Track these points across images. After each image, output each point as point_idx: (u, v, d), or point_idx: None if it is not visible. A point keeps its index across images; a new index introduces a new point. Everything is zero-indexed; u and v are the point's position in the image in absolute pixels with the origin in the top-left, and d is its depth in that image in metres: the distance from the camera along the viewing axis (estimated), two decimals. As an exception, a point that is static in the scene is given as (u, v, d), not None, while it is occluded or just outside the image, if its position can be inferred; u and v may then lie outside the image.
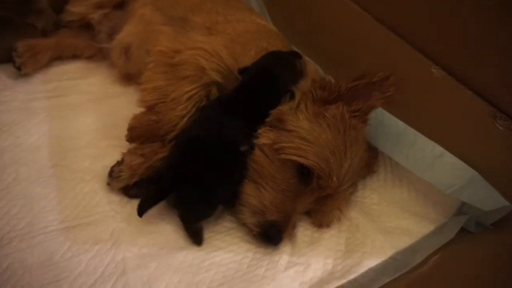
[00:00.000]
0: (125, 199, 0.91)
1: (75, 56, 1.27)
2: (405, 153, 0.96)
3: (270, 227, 0.84)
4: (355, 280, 0.84)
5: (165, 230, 0.87)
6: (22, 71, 1.16)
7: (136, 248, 0.83)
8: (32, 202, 0.88)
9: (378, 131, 0.98)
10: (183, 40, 1.02)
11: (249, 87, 0.93)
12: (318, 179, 0.85)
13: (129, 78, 1.21)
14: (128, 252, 0.83)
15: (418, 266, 0.86)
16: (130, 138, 0.96)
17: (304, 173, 0.86)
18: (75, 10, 1.24)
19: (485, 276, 0.83)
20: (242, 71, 0.96)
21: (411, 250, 0.90)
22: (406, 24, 1.02)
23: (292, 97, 0.93)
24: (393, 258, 0.88)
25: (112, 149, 0.98)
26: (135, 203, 0.88)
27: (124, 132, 1.03)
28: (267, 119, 0.91)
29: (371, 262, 0.86)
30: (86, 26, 1.27)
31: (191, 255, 0.84)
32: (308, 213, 0.93)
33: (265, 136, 0.89)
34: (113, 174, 0.90)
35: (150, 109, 0.97)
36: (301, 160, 0.85)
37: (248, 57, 0.98)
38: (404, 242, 0.91)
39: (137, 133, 0.95)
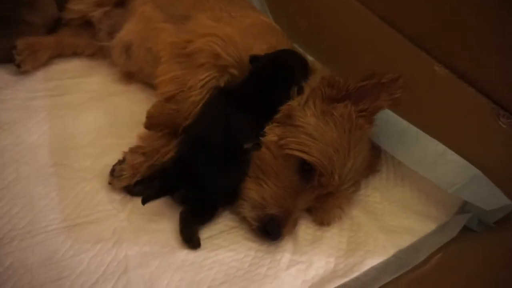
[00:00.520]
0: (127, 197, 0.91)
1: (75, 55, 1.27)
2: (408, 151, 0.96)
3: (269, 221, 0.83)
4: (357, 279, 0.84)
5: (167, 229, 0.87)
6: (21, 69, 1.16)
7: (138, 247, 0.83)
8: (33, 201, 0.88)
9: (381, 129, 0.98)
10: (192, 28, 1.01)
11: (259, 76, 0.92)
12: (320, 176, 0.85)
13: (130, 76, 1.21)
14: (130, 250, 0.82)
15: (420, 265, 0.86)
16: (149, 126, 0.96)
17: (306, 170, 0.86)
18: (75, 8, 1.23)
19: (487, 274, 0.83)
20: (253, 59, 0.95)
21: (413, 248, 0.90)
22: (409, 22, 1.02)
23: (301, 92, 0.92)
24: (395, 257, 0.88)
25: (113, 148, 0.98)
26: (136, 201, 0.89)
27: (125, 130, 1.04)
28: (276, 116, 0.90)
29: (373, 261, 0.86)
30: (86, 24, 1.26)
31: (192, 253, 0.84)
32: (309, 211, 0.93)
33: (271, 133, 0.88)
34: (114, 173, 0.90)
35: (169, 99, 0.96)
36: (304, 156, 0.84)
37: (260, 50, 0.97)
38: (406, 240, 0.91)
39: (156, 122, 0.96)
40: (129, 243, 0.83)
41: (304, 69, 0.97)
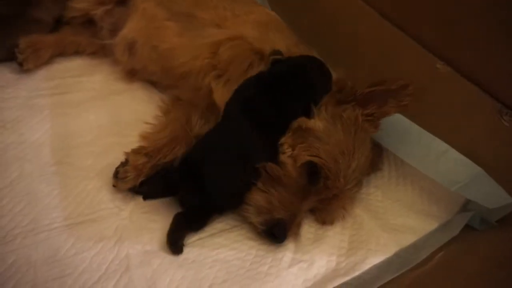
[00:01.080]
0: (129, 196, 0.91)
1: (77, 53, 1.27)
2: (410, 150, 0.96)
3: (275, 225, 0.84)
4: (359, 278, 0.84)
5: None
6: (24, 67, 1.16)
7: (140, 245, 0.83)
8: (36, 199, 0.88)
9: (383, 128, 0.97)
10: (210, 39, 1.01)
11: (278, 80, 0.90)
12: (326, 179, 0.86)
13: (132, 74, 1.20)
14: (132, 249, 0.83)
15: (422, 263, 0.86)
16: None
17: (312, 172, 0.86)
18: (77, 6, 1.23)
19: (489, 273, 0.83)
20: (274, 61, 0.93)
21: (415, 247, 0.90)
22: (411, 19, 1.02)
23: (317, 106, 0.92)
24: (397, 256, 0.88)
25: (115, 147, 0.98)
26: (138, 200, 0.90)
27: (127, 129, 1.04)
28: (291, 127, 0.90)
29: (375, 260, 0.86)
30: (88, 22, 1.26)
31: (194, 252, 0.84)
32: (312, 211, 0.93)
33: (286, 146, 0.88)
34: (118, 176, 0.89)
35: None
36: (312, 158, 0.85)
37: (277, 44, 0.98)
38: (408, 239, 0.91)
39: None
40: (131, 242, 0.83)
41: (327, 84, 0.94)
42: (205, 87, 0.97)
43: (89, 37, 1.26)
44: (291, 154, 0.88)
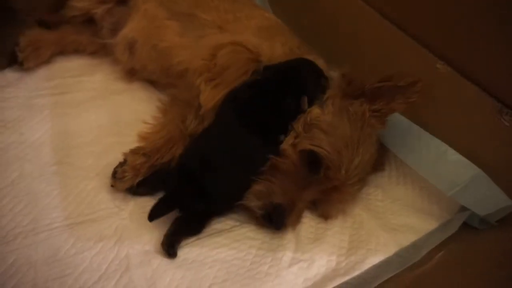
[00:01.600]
0: (129, 196, 0.91)
1: (77, 52, 1.27)
2: (410, 150, 0.96)
3: (274, 209, 0.84)
4: (358, 277, 0.84)
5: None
6: (24, 66, 1.16)
7: (140, 245, 0.84)
8: (36, 199, 0.88)
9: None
10: (210, 43, 1.01)
11: (270, 83, 0.91)
12: (327, 169, 0.86)
13: (132, 73, 1.20)
14: (132, 248, 0.83)
15: (422, 263, 0.86)
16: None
17: (313, 162, 0.86)
18: (78, 5, 1.23)
19: (489, 273, 0.82)
20: (265, 68, 0.94)
21: (415, 247, 0.90)
22: (411, 19, 1.01)
23: (312, 104, 0.92)
24: (397, 255, 0.88)
25: (115, 146, 0.98)
26: (138, 200, 0.91)
27: (127, 129, 1.04)
28: (294, 125, 0.90)
29: (375, 259, 0.86)
30: (88, 21, 1.26)
31: (194, 251, 0.84)
32: (315, 204, 0.93)
33: (287, 140, 0.89)
34: (116, 175, 0.90)
35: None
36: (314, 148, 0.85)
37: (277, 49, 0.98)
38: (408, 239, 0.91)
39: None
40: (131, 242, 0.84)
41: (318, 79, 0.95)
42: (196, 87, 0.97)
43: (89, 36, 1.26)
44: (292, 142, 0.88)
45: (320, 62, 1.05)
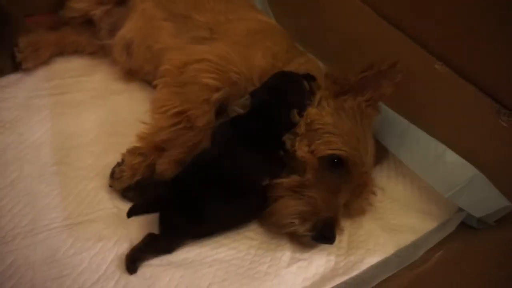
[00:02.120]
0: (128, 196, 0.91)
1: (77, 53, 1.27)
2: (409, 151, 0.97)
3: (323, 227, 0.83)
4: (357, 277, 0.84)
5: (168, 227, 0.87)
6: (23, 66, 1.16)
7: (139, 245, 0.83)
8: (35, 199, 0.88)
9: (383, 128, 0.99)
10: (187, 51, 1.01)
11: (260, 108, 0.93)
12: (352, 167, 0.87)
13: (131, 74, 1.21)
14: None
15: (421, 263, 0.86)
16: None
17: (336, 166, 0.87)
18: (76, 6, 1.23)
19: (488, 273, 0.82)
20: (252, 93, 0.95)
21: (414, 247, 0.90)
22: (409, 20, 1.02)
23: (302, 114, 0.92)
24: (395, 255, 0.88)
25: (115, 146, 0.98)
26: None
27: (126, 128, 1.03)
28: (297, 129, 0.91)
29: (374, 259, 0.86)
30: (87, 22, 1.26)
31: (193, 251, 0.84)
32: (346, 206, 0.92)
33: (301, 145, 0.89)
34: (114, 175, 0.90)
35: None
36: (335, 152, 0.86)
37: (256, 59, 0.98)
38: (407, 239, 0.91)
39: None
40: (131, 242, 0.83)
41: (299, 88, 0.95)
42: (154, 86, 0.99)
43: (88, 37, 1.26)
44: (308, 150, 0.88)
45: (314, 63, 1.07)
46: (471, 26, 0.90)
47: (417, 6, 1.00)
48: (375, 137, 0.97)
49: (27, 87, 1.14)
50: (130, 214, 0.80)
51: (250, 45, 1.01)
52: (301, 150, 0.88)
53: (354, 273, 0.84)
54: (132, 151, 0.92)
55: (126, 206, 0.88)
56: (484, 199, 0.87)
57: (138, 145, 0.94)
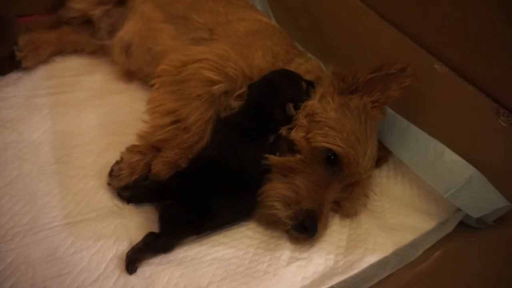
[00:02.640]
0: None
1: (76, 52, 1.28)
2: (408, 151, 0.97)
3: (305, 217, 0.83)
4: (356, 276, 0.84)
5: (167, 226, 0.87)
6: (22, 65, 1.16)
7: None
8: (35, 198, 0.88)
9: (383, 128, 0.99)
10: (185, 52, 1.01)
11: (253, 102, 0.93)
12: (347, 165, 0.87)
13: (130, 75, 1.21)
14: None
15: (420, 262, 0.86)
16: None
17: (332, 161, 0.87)
18: (76, 6, 1.24)
19: (487, 271, 0.83)
20: (249, 86, 0.96)
21: (412, 246, 0.90)
22: (409, 20, 1.02)
23: (298, 107, 0.93)
24: (394, 254, 0.88)
25: (114, 145, 0.98)
26: (137, 199, 0.90)
27: (126, 128, 1.04)
28: (297, 121, 0.91)
29: (372, 258, 0.86)
30: (88, 22, 1.26)
31: (193, 249, 0.84)
32: (337, 203, 0.93)
33: (298, 133, 0.90)
34: (113, 173, 0.90)
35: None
36: (331, 147, 0.86)
37: (257, 58, 0.99)
38: (406, 238, 0.91)
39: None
40: (130, 241, 0.83)
41: (294, 86, 0.95)
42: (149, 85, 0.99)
43: (88, 36, 1.26)
44: (304, 135, 0.89)
45: (313, 63, 1.07)
46: (471, 26, 0.90)
47: (416, 6, 1.00)
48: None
49: (27, 86, 1.15)
50: (130, 200, 0.81)
51: (250, 45, 1.02)
52: (297, 135, 0.89)
53: (353, 272, 0.84)
54: (130, 149, 0.93)
55: (125, 205, 0.89)
56: (483, 199, 0.87)
57: (137, 143, 0.94)
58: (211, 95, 0.94)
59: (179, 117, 0.92)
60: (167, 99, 0.95)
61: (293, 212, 0.84)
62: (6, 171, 0.92)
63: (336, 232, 0.92)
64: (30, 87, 1.14)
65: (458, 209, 0.94)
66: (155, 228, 0.83)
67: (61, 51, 1.25)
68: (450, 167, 0.91)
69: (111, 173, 0.91)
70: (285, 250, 0.87)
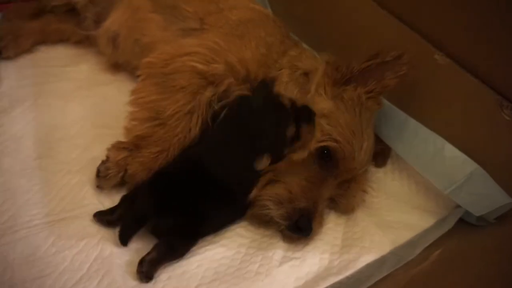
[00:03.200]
0: (113, 191, 0.88)
1: (61, 42, 1.24)
2: (407, 146, 0.94)
3: (300, 217, 0.81)
4: (352, 276, 0.82)
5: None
6: (3, 55, 1.13)
7: (124, 244, 0.80)
8: (15, 195, 0.85)
9: (381, 122, 0.96)
10: (174, 45, 0.97)
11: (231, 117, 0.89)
12: (342, 161, 0.85)
13: (117, 67, 1.17)
14: (116, 247, 0.80)
15: (420, 261, 0.84)
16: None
17: (325, 157, 0.85)
18: None
19: (489, 270, 0.81)
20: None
21: (410, 244, 0.88)
22: (409, 9, 0.99)
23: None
24: (392, 253, 0.86)
25: (101, 138, 0.95)
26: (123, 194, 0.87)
27: (114, 120, 1.00)
28: None
29: (369, 258, 0.84)
30: (72, 10, 1.22)
31: (181, 250, 0.81)
32: (332, 200, 0.91)
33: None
34: (100, 174, 0.86)
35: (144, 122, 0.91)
36: (325, 143, 0.84)
37: (250, 49, 0.95)
38: (404, 236, 0.89)
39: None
40: (116, 240, 0.80)
41: (278, 133, 0.87)
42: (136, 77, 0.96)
43: (73, 26, 1.23)
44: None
45: (308, 54, 1.03)
46: (473, 15, 0.87)
47: (417, -5, 0.97)
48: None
49: (9, 76, 1.11)
50: (123, 241, 0.78)
51: (243, 35, 0.98)
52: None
53: (349, 272, 0.82)
54: (116, 146, 0.89)
55: (111, 202, 0.87)
56: (485, 196, 0.85)
57: (123, 139, 0.91)
58: (196, 86, 0.90)
59: (157, 111, 0.89)
60: (151, 91, 0.91)
61: (286, 211, 0.82)
62: (-15, 166, 0.89)
63: (331, 230, 0.89)
64: (12, 77, 1.10)
65: (458, 206, 0.91)
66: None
67: (44, 40, 1.21)
68: (450, 162, 0.88)
69: (98, 174, 0.87)
70: (278, 249, 0.84)
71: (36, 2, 1.24)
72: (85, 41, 1.23)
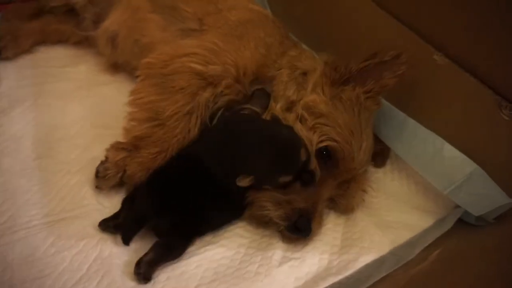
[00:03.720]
0: (113, 191, 0.88)
1: (60, 42, 1.24)
2: (407, 145, 0.94)
3: (299, 218, 0.81)
4: (352, 276, 0.82)
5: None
6: (2, 55, 1.13)
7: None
8: (14, 195, 0.85)
9: (380, 122, 0.96)
10: (174, 46, 0.97)
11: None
12: (342, 161, 0.84)
13: (116, 67, 1.17)
14: (115, 247, 0.80)
15: (419, 261, 0.84)
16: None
17: (324, 157, 0.85)
18: None
19: (489, 270, 0.81)
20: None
21: (410, 244, 0.87)
22: (408, 9, 0.98)
23: None
24: (391, 254, 0.86)
25: (101, 139, 0.94)
26: (122, 195, 0.87)
27: (113, 120, 0.99)
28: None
29: (369, 258, 0.84)
30: (72, 11, 1.22)
31: (180, 250, 0.81)
32: (332, 200, 0.90)
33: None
34: (99, 175, 0.86)
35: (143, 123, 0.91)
36: (326, 143, 0.84)
37: (249, 49, 0.95)
38: (403, 236, 0.88)
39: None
40: (115, 240, 0.80)
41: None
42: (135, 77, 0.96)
43: (72, 26, 1.22)
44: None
45: (308, 55, 1.03)
46: (473, 15, 0.87)
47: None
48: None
49: (9, 76, 1.10)
50: (126, 241, 0.77)
51: (242, 36, 0.98)
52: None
53: (348, 272, 0.82)
54: (115, 147, 0.89)
55: (110, 202, 0.87)
56: (484, 196, 0.85)
57: (122, 139, 0.91)
58: (195, 87, 0.90)
59: (156, 111, 0.88)
60: (150, 91, 0.91)
61: (285, 212, 0.81)
62: (-16, 166, 0.89)
63: (331, 230, 0.89)
64: (12, 77, 1.10)
65: (457, 206, 0.91)
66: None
67: (44, 41, 1.21)
68: (449, 162, 0.88)
69: (97, 175, 0.87)
70: (277, 250, 0.84)
71: (35, 2, 1.24)
72: (84, 42, 1.23)
